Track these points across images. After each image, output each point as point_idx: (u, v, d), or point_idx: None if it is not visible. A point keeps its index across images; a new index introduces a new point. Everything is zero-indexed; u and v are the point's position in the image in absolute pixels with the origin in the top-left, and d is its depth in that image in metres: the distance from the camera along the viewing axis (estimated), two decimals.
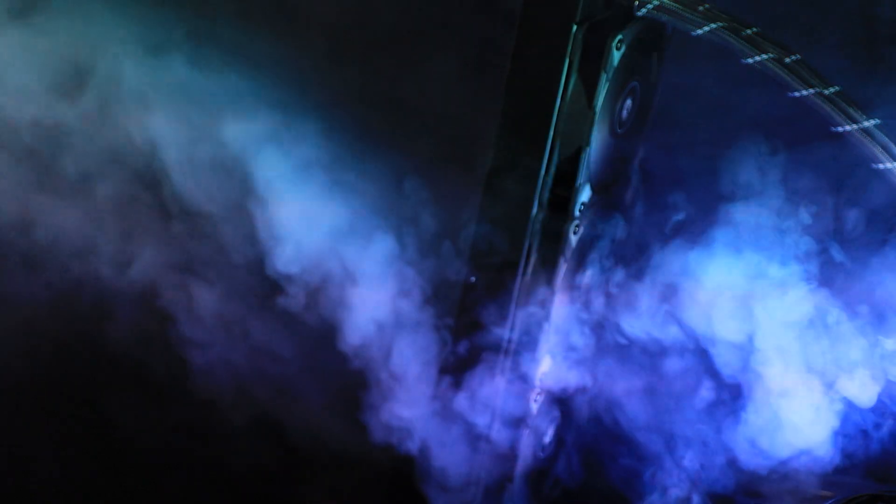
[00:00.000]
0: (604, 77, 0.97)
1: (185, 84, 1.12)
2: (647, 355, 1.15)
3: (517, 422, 1.13)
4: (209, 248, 1.19)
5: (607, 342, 1.15)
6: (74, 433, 1.36)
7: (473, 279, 1.03)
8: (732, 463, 1.19)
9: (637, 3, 0.95)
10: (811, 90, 0.93)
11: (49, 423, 1.37)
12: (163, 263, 1.21)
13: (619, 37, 0.97)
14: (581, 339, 1.14)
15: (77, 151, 1.18)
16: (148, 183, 1.16)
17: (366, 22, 1.05)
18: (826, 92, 0.93)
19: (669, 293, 1.09)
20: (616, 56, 0.98)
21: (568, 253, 1.04)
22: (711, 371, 1.14)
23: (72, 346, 1.30)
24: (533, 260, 1.03)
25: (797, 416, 1.10)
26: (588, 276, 1.15)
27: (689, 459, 1.22)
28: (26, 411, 1.37)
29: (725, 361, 1.11)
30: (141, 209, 1.19)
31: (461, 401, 1.11)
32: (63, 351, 1.31)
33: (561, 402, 1.23)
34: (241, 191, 1.14)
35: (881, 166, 0.93)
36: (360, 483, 1.29)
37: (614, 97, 1.03)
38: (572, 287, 1.12)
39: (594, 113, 0.98)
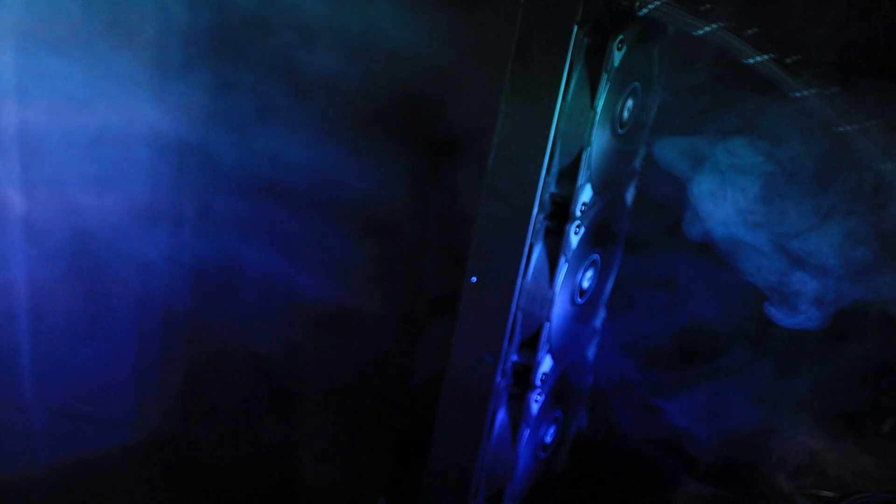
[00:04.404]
0: (605, 77, 0.97)
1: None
2: None
3: (517, 422, 1.13)
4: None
5: None
6: None
7: (473, 279, 1.03)
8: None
9: (638, 3, 0.95)
10: (812, 91, 0.92)
11: None
12: None
13: (621, 37, 0.96)
14: None
15: None
16: None
17: (365, 18, 1.05)
18: (827, 92, 0.93)
19: None
20: (617, 56, 0.98)
21: (568, 253, 1.04)
22: None
23: None
24: (533, 260, 1.03)
25: None
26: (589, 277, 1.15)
27: None
28: None
29: None
30: None
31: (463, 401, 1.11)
32: None
33: (562, 400, 1.23)
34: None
35: (881, 167, 0.93)
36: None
37: (615, 97, 1.03)
38: (573, 287, 1.12)
39: (595, 113, 0.98)
